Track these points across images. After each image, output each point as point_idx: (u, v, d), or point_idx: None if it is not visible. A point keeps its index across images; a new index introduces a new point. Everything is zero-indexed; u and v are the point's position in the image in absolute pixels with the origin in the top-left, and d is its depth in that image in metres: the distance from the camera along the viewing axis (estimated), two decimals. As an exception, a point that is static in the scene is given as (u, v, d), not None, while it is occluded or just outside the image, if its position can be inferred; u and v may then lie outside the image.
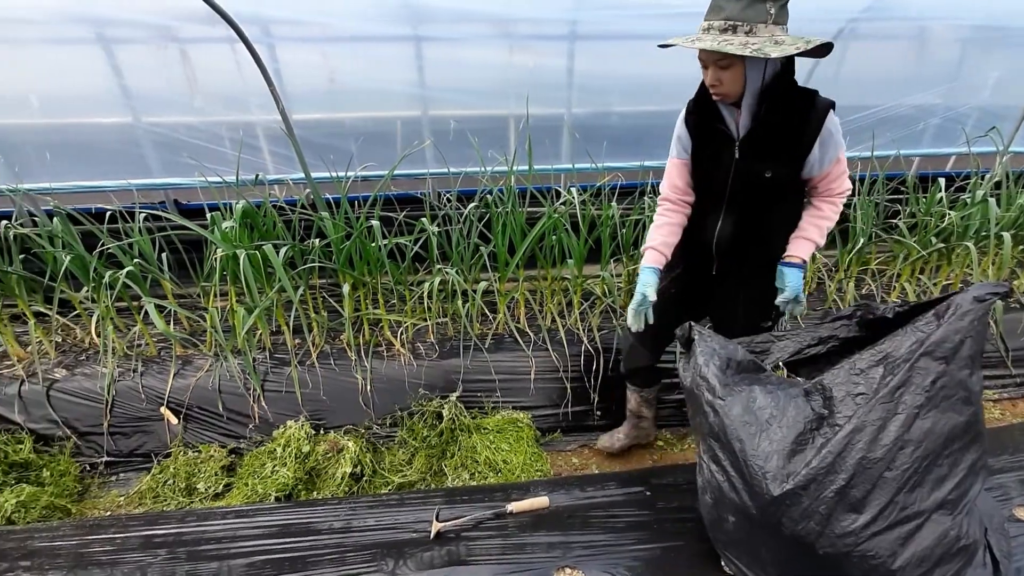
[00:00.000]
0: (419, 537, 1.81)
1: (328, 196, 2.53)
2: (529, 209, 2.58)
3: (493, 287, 2.50)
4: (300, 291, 2.28)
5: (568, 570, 1.63)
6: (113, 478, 2.24)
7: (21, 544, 1.83)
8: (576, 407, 2.43)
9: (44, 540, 1.84)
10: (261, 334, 2.39)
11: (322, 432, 2.28)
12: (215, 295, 2.37)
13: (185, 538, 1.85)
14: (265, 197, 2.39)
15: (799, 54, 1.39)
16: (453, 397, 2.30)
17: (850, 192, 1.66)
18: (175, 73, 2.50)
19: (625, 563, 1.68)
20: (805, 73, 2.97)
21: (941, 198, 2.74)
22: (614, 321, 2.55)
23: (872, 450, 1.21)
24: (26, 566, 1.75)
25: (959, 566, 1.28)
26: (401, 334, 2.45)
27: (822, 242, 1.70)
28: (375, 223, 2.30)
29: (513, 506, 1.82)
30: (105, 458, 2.23)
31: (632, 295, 1.76)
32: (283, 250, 2.18)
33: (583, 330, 2.48)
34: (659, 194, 1.84)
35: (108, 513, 2.10)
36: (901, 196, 2.99)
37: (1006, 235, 2.53)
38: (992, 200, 2.54)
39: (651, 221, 2.53)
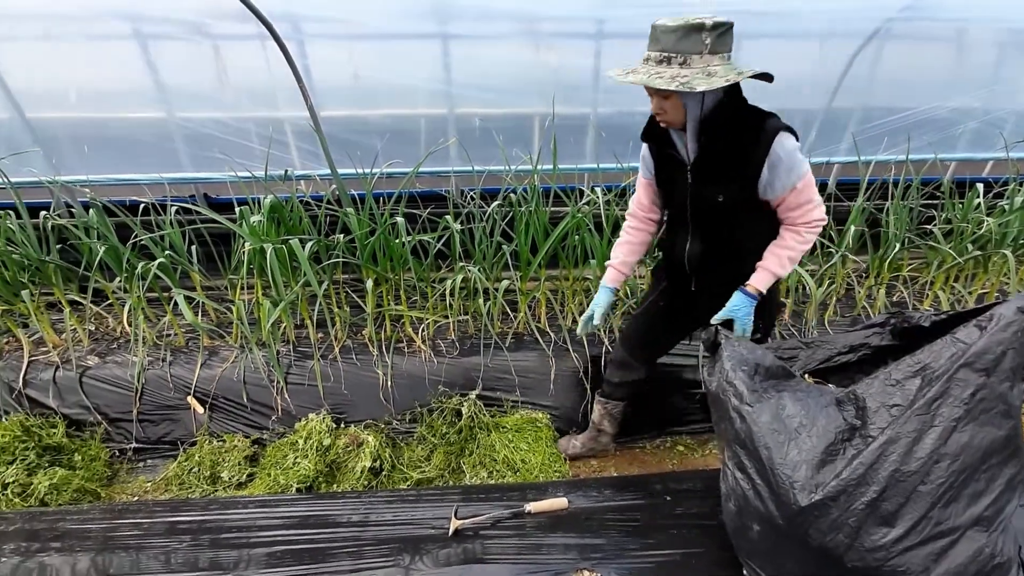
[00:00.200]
0: (436, 534, 1.82)
1: (353, 192, 2.56)
2: (552, 208, 2.56)
3: (515, 286, 2.49)
4: (324, 286, 2.31)
5: (586, 572, 1.62)
6: (141, 464, 2.29)
7: (53, 525, 1.88)
8: (596, 409, 2.41)
9: (75, 522, 1.89)
10: (285, 327, 2.42)
11: (343, 426, 2.31)
12: (242, 288, 2.41)
13: (208, 525, 1.88)
14: (292, 192, 2.43)
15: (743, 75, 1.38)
16: (472, 395, 2.30)
17: (821, 224, 1.57)
18: (207, 69, 2.55)
19: (644, 567, 1.66)
20: (838, 75, 2.90)
21: (978, 204, 2.65)
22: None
23: (906, 463, 1.18)
24: (57, 547, 1.80)
25: (994, 585, 1.24)
26: (422, 331, 2.46)
27: (783, 273, 1.63)
28: (400, 220, 2.32)
29: (532, 506, 1.82)
30: (134, 444, 2.29)
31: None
32: (308, 245, 2.21)
33: (603, 331, 2.46)
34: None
35: (135, 498, 2.16)
36: (936, 201, 2.90)
37: (1048, 244, 2.44)
38: (1032, 207, 2.45)
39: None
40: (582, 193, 2.53)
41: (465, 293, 2.45)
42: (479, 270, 2.35)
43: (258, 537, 1.83)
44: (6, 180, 2.34)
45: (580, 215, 2.36)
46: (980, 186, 2.70)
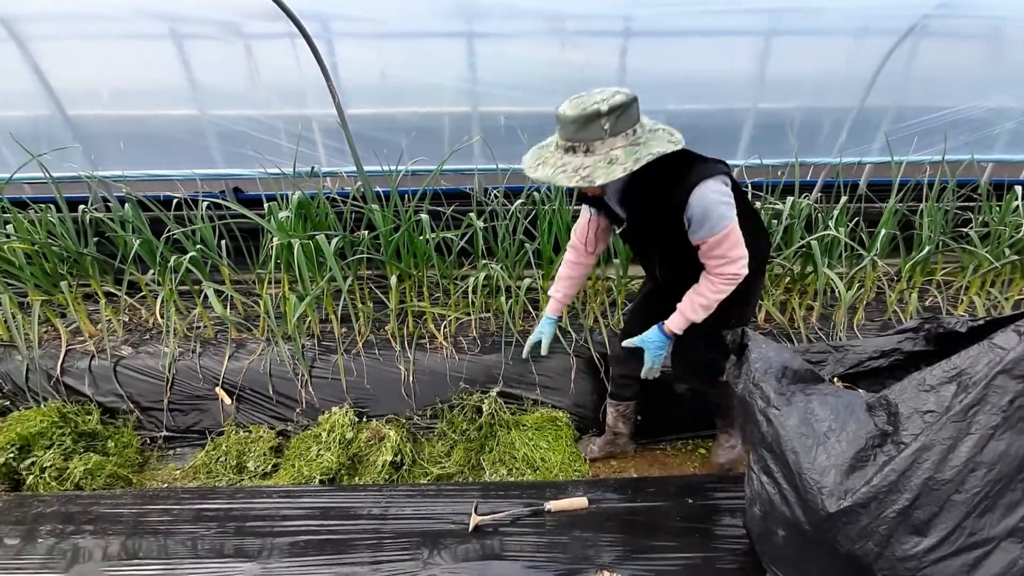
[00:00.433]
0: (456, 529, 1.83)
1: (378, 189, 2.59)
2: (575, 207, 2.56)
3: (537, 284, 2.49)
4: (349, 281, 2.34)
5: (606, 573, 1.61)
6: (171, 452, 2.36)
7: (87, 509, 1.95)
8: (616, 409, 2.39)
9: (107, 507, 1.96)
10: (310, 321, 2.46)
11: (365, 420, 2.34)
12: (269, 282, 2.46)
13: (234, 514, 1.93)
14: (319, 189, 2.47)
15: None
16: (493, 392, 2.31)
17: (734, 278, 1.56)
18: (239, 68, 2.60)
19: (665, 570, 1.65)
20: (870, 73, 2.83)
21: (1017, 207, 2.57)
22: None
23: (940, 471, 1.15)
24: (90, 530, 1.86)
25: (1030, 599, 1.20)
26: (444, 327, 2.48)
27: (695, 318, 1.65)
28: (424, 216, 2.34)
29: (552, 505, 1.82)
30: (164, 433, 2.35)
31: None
32: (334, 241, 2.24)
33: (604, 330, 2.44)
34: None
35: (165, 485, 2.22)
36: (972, 204, 2.81)
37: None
38: (1075, 211, 2.36)
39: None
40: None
41: (487, 291, 2.46)
42: (502, 268, 2.36)
43: (282, 526, 1.87)
44: (48, 175, 2.42)
45: (604, 214, 2.35)
46: (1019, 188, 2.61)
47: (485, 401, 2.27)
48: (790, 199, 2.49)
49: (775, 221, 2.49)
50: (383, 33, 2.62)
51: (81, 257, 2.42)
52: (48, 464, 2.08)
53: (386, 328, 2.50)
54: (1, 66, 2.50)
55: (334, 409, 2.31)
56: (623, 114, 1.35)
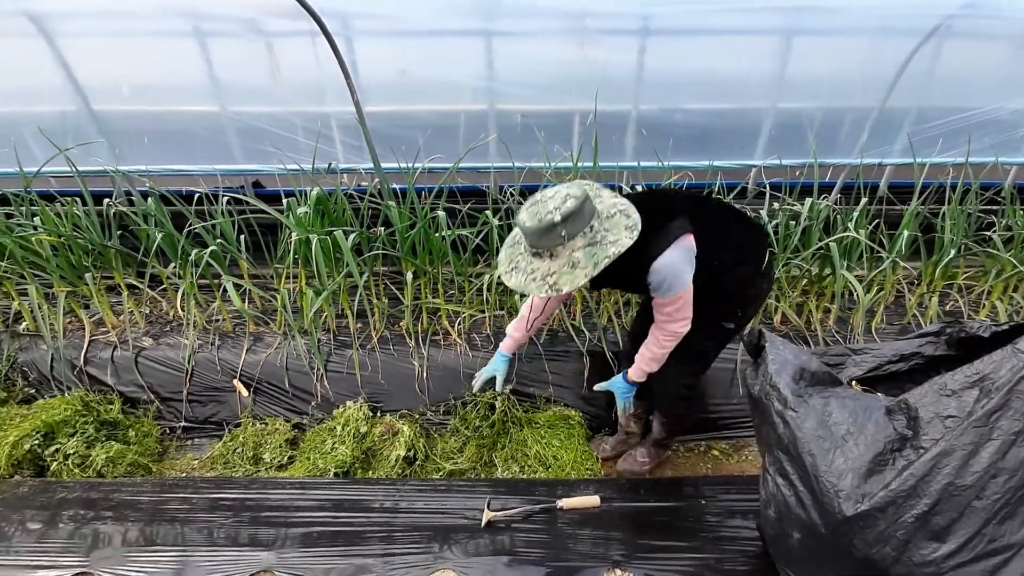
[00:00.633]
0: (466, 524, 1.85)
1: (395, 186, 2.61)
2: (591, 206, 2.55)
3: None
4: (365, 277, 2.36)
5: (618, 571, 1.62)
6: (189, 442, 2.40)
7: (108, 496, 2.00)
8: (629, 408, 2.39)
9: (127, 494, 2.00)
10: (326, 316, 2.49)
11: (379, 415, 2.36)
12: (286, 277, 2.49)
13: (249, 503, 1.97)
14: (337, 185, 2.49)
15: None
16: (506, 390, 2.32)
17: (674, 336, 1.71)
18: (260, 65, 2.63)
19: (677, 570, 1.65)
20: (892, 73, 2.79)
21: (1042, 210, 2.51)
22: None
23: (961, 476, 1.13)
24: (110, 516, 1.91)
25: (1050, 609, 1.18)
26: (458, 324, 2.49)
27: (650, 369, 1.81)
28: (441, 214, 2.35)
29: (564, 502, 1.82)
30: (183, 423, 2.40)
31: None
32: (351, 236, 2.26)
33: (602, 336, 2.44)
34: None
35: (183, 474, 2.26)
36: (996, 207, 2.75)
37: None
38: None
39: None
40: (621, 191, 2.51)
41: (502, 289, 2.47)
42: (516, 266, 2.36)
43: (295, 517, 1.90)
44: (74, 169, 2.48)
45: (619, 213, 2.35)
46: (1045, 192, 2.56)
47: (498, 398, 2.28)
48: (808, 200, 2.46)
49: (792, 222, 2.47)
50: (402, 31, 2.63)
51: (105, 250, 2.47)
52: (71, 451, 2.13)
53: (401, 324, 2.52)
54: (31, 62, 2.56)
55: (349, 403, 2.34)
56: (577, 217, 1.44)
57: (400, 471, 2.18)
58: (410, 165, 2.57)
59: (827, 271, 2.46)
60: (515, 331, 2.01)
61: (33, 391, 2.42)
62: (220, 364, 2.40)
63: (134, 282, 2.57)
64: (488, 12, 2.56)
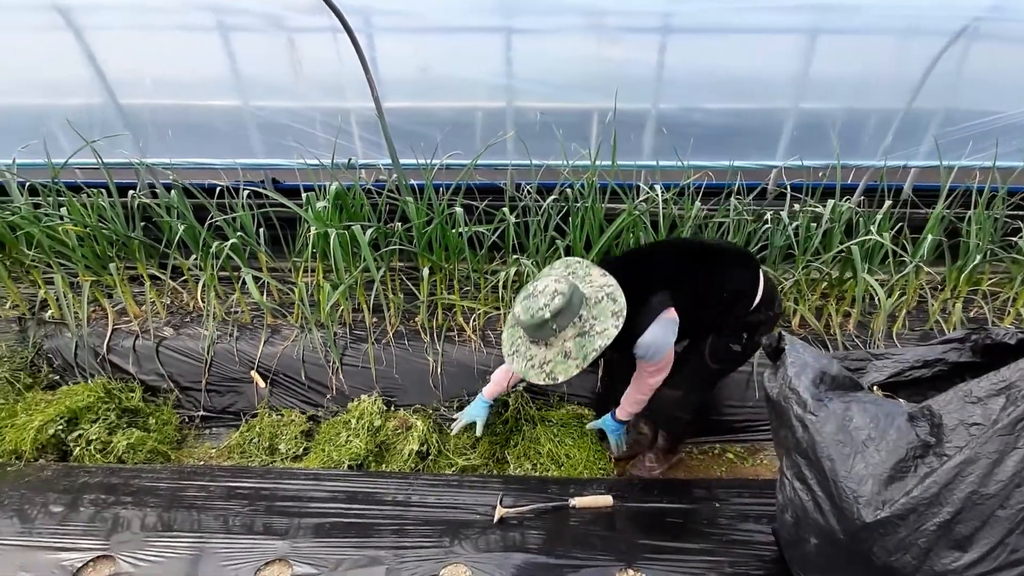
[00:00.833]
0: (477, 519, 1.86)
1: (413, 182, 2.62)
2: (608, 205, 2.54)
3: (567, 281, 2.49)
4: (381, 272, 2.37)
5: (630, 571, 1.61)
6: (207, 431, 2.44)
7: (127, 481, 2.04)
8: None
9: (147, 480, 2.04)
10: (343, 310, 2.51)
11: (393, 409, 2.38)
12: (304, 271, 2.52)
13: (264, 493, 1.99)
14: (355, 180, 2.51)
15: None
16: (520, 387, 2.32)
17: (652, 387, 1.86)
18: (282, 60, 2.66)
19: (690, 572, 1.64)
20: (918, 74, 2.73)
21: (1072, 217, 2.45)
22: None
23: (985, 485, 1.11)
24: (129, 501, 1.95)
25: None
26: (473, 320, 2.50)
27: (634, 410, 1.97)
28: (458, 210, 2.36)
29: (576, 501, 1.82)
30: (201, 412, 2.44)
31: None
32: (369, 231, 2.28)
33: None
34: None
35: (201, 463, 2.30)
36: (1023, 212, 2.69)
37: None
38: None
39: (735, 225, 2.46)
40: (639, 190, 2.50)
41: (517, 286, 2.47)
42: (532, 263, 2.37)
43: (309, 508, 1.92)
44: (100, 161, 2.53)
45: (636, 213, 2.34)
46: (1075, 197, 2.49)
47: (511, 395, 2.28)
48: (831, 202, 2.43)
49: (813, 224, 2.43)
50: (422, 27, 2.64)
51: (129, 241, 2.52)
52: (94, 437, 2.18)
53: (416, 319, 2.53)
54: (60, 55, 2.61)
55: (363, 397, 2.36)
56: (566, 311, 1.57)
57: (413, 465, 2.19)
58: (428, 161, 2.58)
59: (848, 274, 2.43)
60: (501, 380, 2.09)
61: (57, 377, 2.48)
62: (238, 355, 2.44)
63: (156, 273, 2.62)
64: (508, 9, 2.56)
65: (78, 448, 2.18)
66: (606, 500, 1.84)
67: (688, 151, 2.68)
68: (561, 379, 1.60)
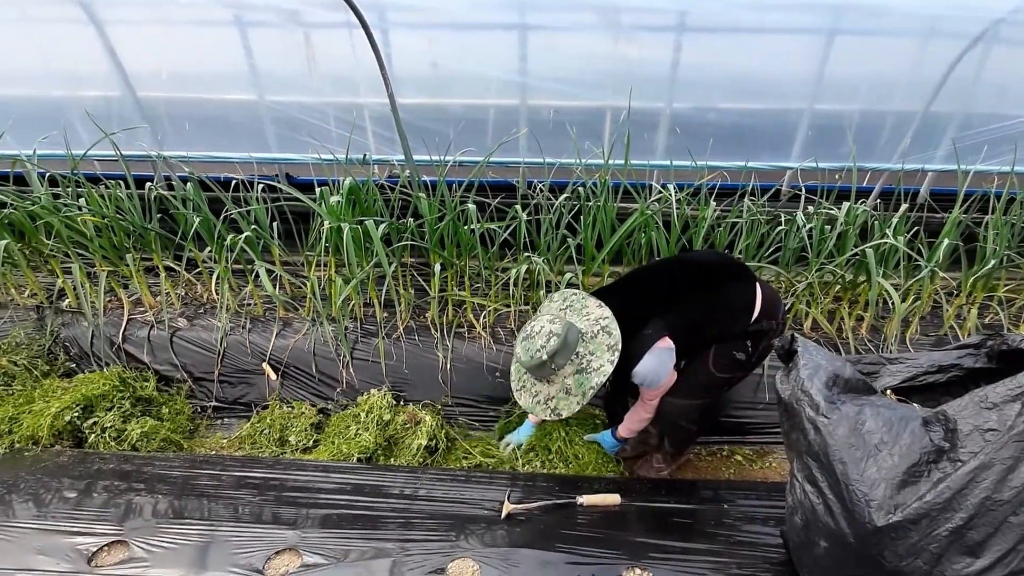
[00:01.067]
0: (486, 515, 1.86)
1: (426, 179, 2.63)
2: (620, 204, 2.54)
3: (577, 279, 2.49)
4: (393, 267, 2.39)
5: (637, 570, 1.61)
6: (219, 422, 2.47)
7: (140, 469, 2.07)
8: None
9: (160, 468, 2.07)
10: (354, 305, 2.53)
11: (402, 403, 2.39)
12: (316, 265, 2.54)
13: (273, 483, 2.01)
14: (368, 176, 2.52)
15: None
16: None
17: (652, 409, 1.94)
18: (297, 55, 2.68)
19: (697, 572, 1.63)
20: (936, 77, 2.70)
21: (1091, 223, 2.41)
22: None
23: (999, 491, 1.10)
24: (142, 488, 1.98)
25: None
26: (483, 317, 2.50)
27: (637, 428, 2.03)
28: (471, 206, 2.36)
29: (585, 499, 1.82)
30: (213, 403, 2.47)
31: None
32: (381, 227, 2.29)
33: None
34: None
35: (213, 452, 2.33)
36: (1043, 219, 2.65)
37: None
38: None
39: (748, 226, 2.45)
40: (652, 190, 2.49)
41: (528, 283, 2.48)
42: (543, 261, 2.37)
43: (318, 499, 1.94)
44: (118, 153, 2.56)
45: (649, 213, 2.33)
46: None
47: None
48: (846, 204, 2.41)
49: (828, 227, 2.41)
50: (437, 23, 2.65)
51: (145, 232, 2.55)
52: (108, 425, 2.21)
53: (426, 315, 2.55)
54: (80, 48, 2.65)
55: (373, 391, 2.37)
56: (563, 351, 1.65)
57: (421, 460, 2.20)
58: (441, 158, 2.59)
59: (862, 278, 2.41)
60: None
61: (74, 365, 2.52)
62: (250, 347, 2.46)
63: (171, 264, 2.65)
64: (523, 5, 2.56)
65: (93, 435, 2.22)
66: (614, 499, 1.84)
67: (703, 151, 2.67)
68: (565, 415, 1.70)
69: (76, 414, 2.22)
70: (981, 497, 1.10)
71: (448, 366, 2.41)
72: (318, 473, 2.05)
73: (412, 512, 1.89)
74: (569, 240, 2.44)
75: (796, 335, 1.46)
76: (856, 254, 2.34)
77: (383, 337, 2.44)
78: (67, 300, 2.62)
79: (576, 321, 1.72)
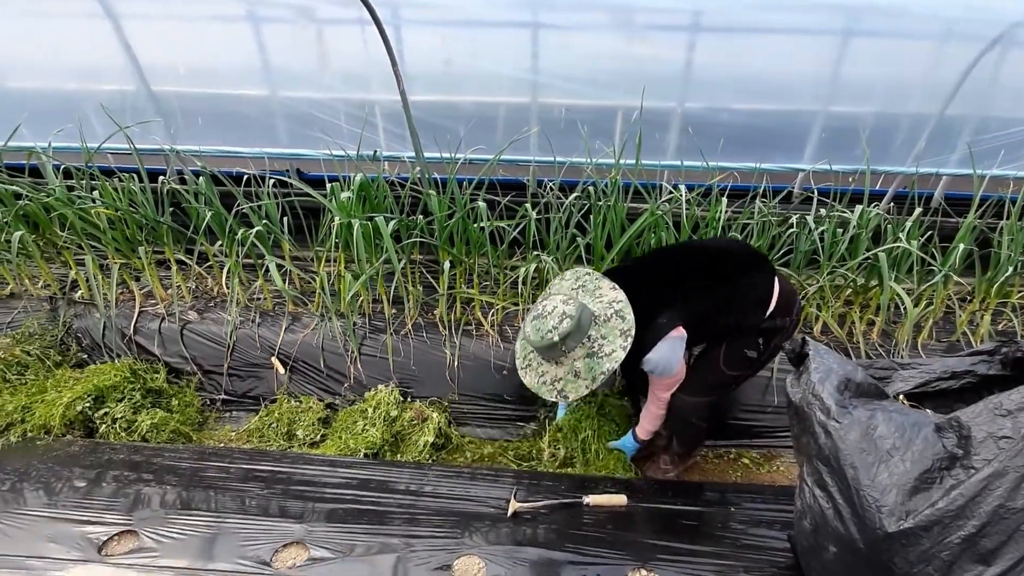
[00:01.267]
0: (492, 513, 1.86)
1: (436, 176, 2.63)
2: (631, 204, 2.53)
3: (586, 279, 2.48)
4: (402, 264, 2.39)
5: (643, 572, 1.61)
6: (227, 414, 2.49)
7: (150, 459, 2.09)
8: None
9: (169, 459, 2.09)
10: (363, 301, 2.54)
11: (409, 400, 2.40)
12: (326, 260, 2.55)
13: (280, 476, 2.03)
14: (379, 172, 2.53)
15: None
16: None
17: (664, 400, 1.90)
18: (310, 51, 2.69)
19: (703, 575, 1.63)
20: (952, 80, 2.67)
21: (1108, 229, 2.37)
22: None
23: (1012, 499, 1.09)
24: (150, 479, 2.00)
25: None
26: (491, 315, 2.50)
27: (652, 427, 2.01)
28: (481, 204, 2.36)
29: (591, 499, 1.82)
30: (222, 396, 2.48)
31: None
32: (391, 223, 2.30)
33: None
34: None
35: (221, 445, 2.34)
36: (1060, 224, 2.61)
37: None
38: None
39: (760, 228, 2.43)
40: (662, 190, 2.48)
41: (537, 282, 2.47)
42: (552, 260, 2.36)
43: (324, 493, 1.95)
44: (132, 147, 2.58)
45: (659, 213, 2.32)
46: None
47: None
48: (858, 208, 2.38)
49: (840, 230, 2.39)
50: (450, 20, 2.65)
51: (158, 225, 2.57)
52: (119, 415, 2.23)
53: (434, 312, 2.55)
54: (96, 42, 2.67)
55: (380, 387, 2.38)
56: (574, 334, 1.60)
57: (427, 456, 2.21)
58: (451, 155, 2.59)
59: (874, 282, 2.38)
60: None
61: (86, 356, 2.55)
62: (259, 341, 2.48)
63: (183, 258, 2.67)
64: (536, 4, 2.55)
65: (104, 425, 2.24)
66: (620, 499, 1.84)
67: (715, 152, 2.65)
68: (572, 398, 1.66)
69: (87, 404, 2.24)
70: (994, 505, 1.09)
71: (455, 363, 2.41)
72: (325, 467, 2.07)
73: (418, 508, 1.90)
74: (579, 239, 2.44)
75: (808, 338, 1.45)
76: (868, 258, 2.32)
77: (391, 333, 2.45)
78: (80, 291, 2.64)
79: (589, 303, 1.67)
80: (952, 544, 1.10)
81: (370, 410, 2.29)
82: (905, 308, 2.20)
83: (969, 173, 2.61)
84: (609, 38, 2.67)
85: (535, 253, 2.39)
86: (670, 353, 1.71)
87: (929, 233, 2.50)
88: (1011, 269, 2.36)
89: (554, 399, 1.70)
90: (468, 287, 2.58)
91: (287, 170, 2.86)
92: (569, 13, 2.58)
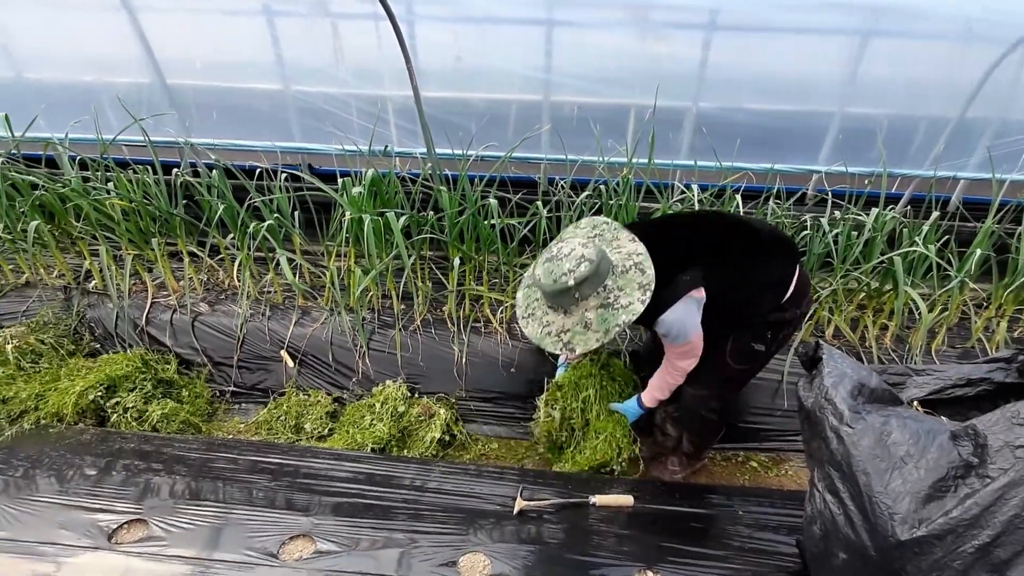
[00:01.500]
0: (497, 510, 1.86)
1: (447, 172, 2.63)
2: (642, 204, 2.51)
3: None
4: (412, 259, 2.40)
5: (649, 573, 1.60)
6: (236, 406, 2.51)
7: (160, 449, 2.11)
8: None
9: (179, 449, 2.11)
10: (372, 296, 2.54)
11: (416, 396, 2.40)
12: (336, 255, 2.56)
13: (287, 469, 2.04)
14: (390, 168, 2.53)
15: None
16: (546, 382, 2.31)
17: (681, 371, 1.79)
18: (324, 46, 2.69)
19: (708, 577, 1.62)
20: (973, 82, 2.62)
21: None
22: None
23: (1029, 511, 1.07)
24: (159, 468, 2.02)
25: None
26: (500, 313, 2.50)
27: (660, 396, 1.90)
28: (492, 201, 2.36)
29: (597, 499, 1.82)
30: (232, 388, 2.50)
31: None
32: (402, 219, 2.30)
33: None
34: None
35: (230, 436, 2.36)
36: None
37: None
38: None
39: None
40: (675, 190, 2.47)
41: (546, 280, 2.46)
42: (562, 259, 2.35)
43: (330, 486, 1.96)
44: (146, 139, 2.60)
45: (671, 213, 2.30)
46: None
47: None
48: (874, 211, 2.35)
49: (855, 233, 2.36)
50: (464, 17, 2.64)
51: (171, 217, 2.59)
52: (130, 405, 2.26)
53: (443, 309, 2.55)
54: (114, 34, 2.69)
55: (388, 382, 2.39)
56: (591, 280, 1.48)
57: (434, 452, 2.21)
58: (463, 152, 2.59)
59: (888, 286, 2.35)
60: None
61: (98, 346, 2.57)
62: (269, 334, 2.49)
63: (195, 250, 2.69)
64: (551, 2, 2.54)
65: (115, 415, 2.26)
66: (627, 500, 1.83)
67: (729, 152, 2.63)
68: (579, 351, 1.52)
69: (99, 393, 2.26)
70: (1010, 515, 1.07)
71: (463, 360, 2.41)
72: (332, 461, 2.08)
73: (423, 504, 1.90)
74: (589, 238, 2.42)
75: (821, 342, 1.43)
76: (883, 261, 2.29)
77: (400, 329, 2.46)
78: (93, 282, 2.67)
79: (607, 252, 1.56)
80: (965, 554, 1.08)
81: (378, 405, 2.29)
82: (919, 313, 2.17)
83: (988, 177, 2.57)
84: (624, 36, 2.65)
85: (545, 251, 2.38)
86: (685, 315, 1.59)
87: (946, 238, 2.46)
88: (1029, 275, 2.32)
89: (558, 351, 1.55)
90: (477, 284, 2.58)
91: (299, 164, 2.87)
92: (585, 10, 2.56)
